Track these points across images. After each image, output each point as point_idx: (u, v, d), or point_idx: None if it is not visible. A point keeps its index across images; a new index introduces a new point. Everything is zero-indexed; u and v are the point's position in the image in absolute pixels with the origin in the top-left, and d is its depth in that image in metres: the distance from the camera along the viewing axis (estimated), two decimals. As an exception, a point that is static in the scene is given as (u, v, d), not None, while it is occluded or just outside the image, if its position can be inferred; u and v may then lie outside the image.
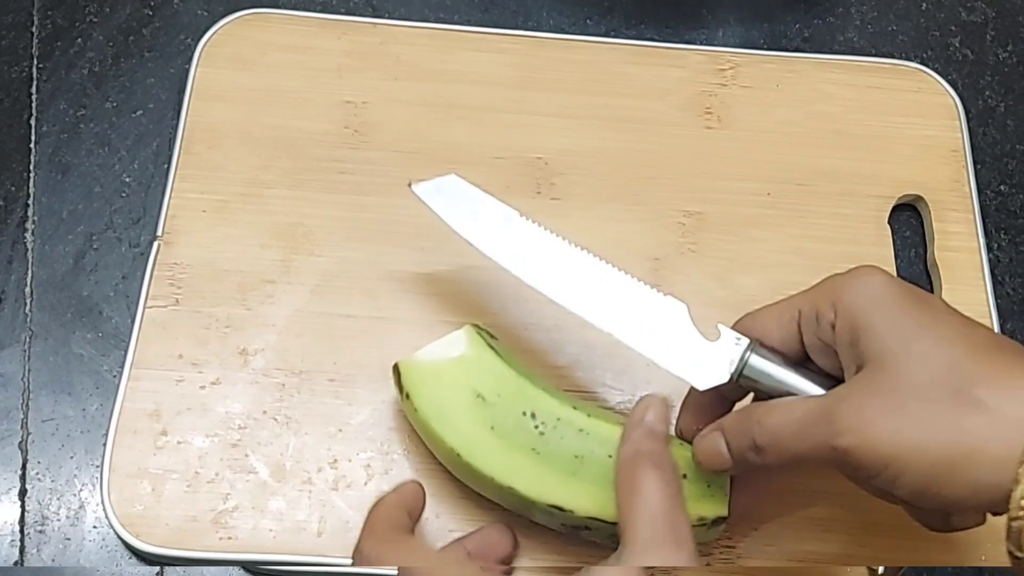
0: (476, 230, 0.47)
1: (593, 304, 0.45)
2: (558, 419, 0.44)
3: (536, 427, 0.44)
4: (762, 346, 0.42)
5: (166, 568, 0.49)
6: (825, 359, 0.42)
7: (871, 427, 0.37)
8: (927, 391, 0.37)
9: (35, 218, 0.57)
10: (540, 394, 0.45)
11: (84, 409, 0.52)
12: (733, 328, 0.43)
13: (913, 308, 0.39)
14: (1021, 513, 0.35)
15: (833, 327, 0.40)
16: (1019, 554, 0.36)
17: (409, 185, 0.49)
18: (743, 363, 0.42)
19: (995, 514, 0.40)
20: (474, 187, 0.48)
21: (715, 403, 0.45)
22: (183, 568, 0.49)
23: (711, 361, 0.43)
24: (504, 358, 0.46)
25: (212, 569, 0.49)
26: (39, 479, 0.51)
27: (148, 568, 0.49)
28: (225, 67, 0.59)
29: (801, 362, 0.42)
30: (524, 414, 0.44)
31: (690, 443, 0.44)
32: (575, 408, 0.45)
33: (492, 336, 0.48)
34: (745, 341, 0.43)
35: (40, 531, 0.50)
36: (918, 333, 0.38)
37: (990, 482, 0.36)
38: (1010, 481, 0.35)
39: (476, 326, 0.47)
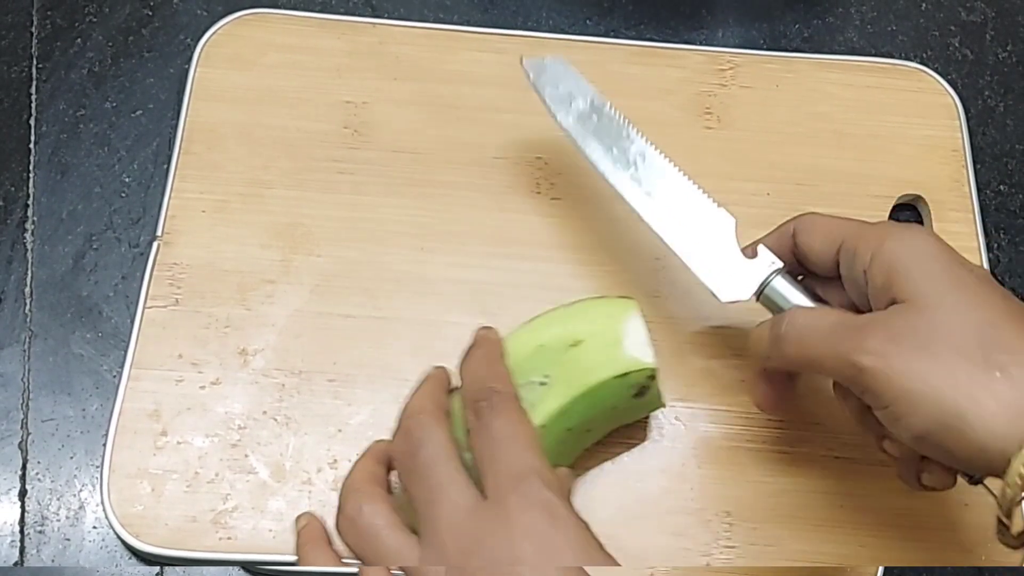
0: (567, 112, 0.51)
1: (647, 199, 0.49)
2: (545, 397, 0.44)
3: (537, 377, 0.45)
4: (789, 273, 0.45)
5: (166, 568, 0.49)
6: (854, 290, 0.43)
7: (896, 357, 0.37)
8: (955, 342, 0.37)
9: (35, 218, 0.57)
10: (572, 389, 0.45)
11: (84, 409, 0.52)
12: (793, 219, 0.46)
13: (954, 266, 0.40)
14: (1019, 481, 0.35)
15: (865, 273, 0.41)
16: (1006, 521, 0.36)
17: (521, 60, 0.52)
18: (765, 284, 0.45)
19: (973, 481, 0.40)
20: (574, 71, 0.52)
21: None
22: (183, 568, 0.49)
23: (740, 277, 0.45)
24: (599, 351, 0.46)
25: (212, 569, 0.49)
26: (39, 479, 0.50)
27: (148, 568, 0.49)
28: (225, 67, 0.59)
29: (835, 278, 0.44)
30: (541, 346, 0.45)
31: None
32: (569, 424, 0.45)
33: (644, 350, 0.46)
34: (777, 264, 0.45)
35: (40, 531, 0.50)
36: (955, 287, 0.39)
37: (993, 445, 0.36)
38: (1014, 447, 0.35)
39: (647, 349, 0.46)
